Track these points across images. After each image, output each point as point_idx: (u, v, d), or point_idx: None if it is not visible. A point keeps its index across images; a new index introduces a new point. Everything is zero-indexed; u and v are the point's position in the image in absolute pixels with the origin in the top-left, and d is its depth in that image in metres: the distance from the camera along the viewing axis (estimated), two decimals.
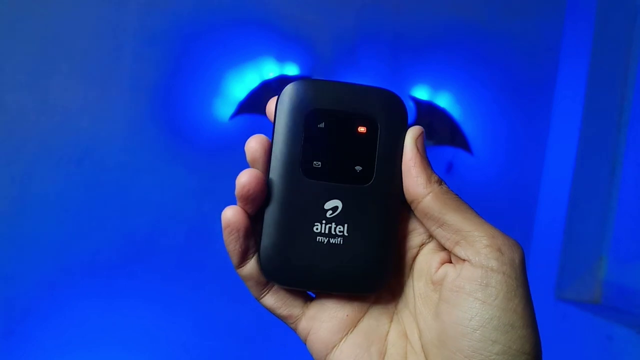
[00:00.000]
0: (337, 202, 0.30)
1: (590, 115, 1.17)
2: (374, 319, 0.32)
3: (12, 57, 1.12)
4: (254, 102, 1.22)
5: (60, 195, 1.15)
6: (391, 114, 0.31)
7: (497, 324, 0.26)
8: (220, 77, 1.21)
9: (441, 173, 1.25)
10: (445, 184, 0.30)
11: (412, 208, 0.30)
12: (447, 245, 0.29)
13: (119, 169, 1.17)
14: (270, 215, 0.30)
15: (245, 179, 0.29)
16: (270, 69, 1.22)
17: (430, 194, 0.29)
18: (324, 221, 0.30)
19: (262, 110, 1.22)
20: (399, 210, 0.31)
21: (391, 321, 0.32)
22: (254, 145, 0.31)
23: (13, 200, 1.13)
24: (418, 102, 1.27)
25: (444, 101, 1.29)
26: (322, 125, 0.30)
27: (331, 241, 0.30)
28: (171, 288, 1.20)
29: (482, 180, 1.29)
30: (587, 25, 1.19)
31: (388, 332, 0.31)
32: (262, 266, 0.30)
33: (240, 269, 0.31)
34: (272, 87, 1.22)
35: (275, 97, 0.31)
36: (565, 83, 1.28)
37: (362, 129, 0.31)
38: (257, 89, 1.22)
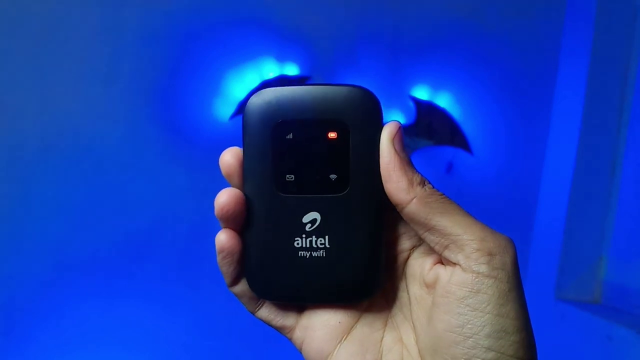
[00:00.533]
0: (315, 215, 0.29)
1: (590, 115, 1.17)
2: (368, 325, 0.31)
3: (12, 57, 1.12)
4: None
5: (60, 195, 1.15)
6: (362, 113, 0.29)
7: (489, 331, 0.26)
8: (220, 77, 1.21)
9: (441, 173, 1.25)
10: (429, 183, 0.29)
11: (399, 212, 0.29)
12: (437, 249, 0.28)
13: (119, 169, 1.17)
14: (250, 235, 0.30)
15: (224, 199, 0.29)
16: (270, 69, 1.22)
17: (414, 199, 0.28)
18: (303, 235, 0.29)
19: None
20: (381, 215, 0.30)
21: (385, 326, 0.31)
22: (228, 159, 0.30)
23: (13, 200, 1.13)
24: (418, 102, 1.27)
25: (444, 101, 1.29)
26: (290, 136, 0.29)
27: (313, 254, 0.29)
28: (171, 288, 1.20)
29: (482, 180, 1.29)
30: (587, 25, 1.19)
31: (382, 337, 0.31)
32: (251, 285, 0.30)
33: (233, 287, 0.31)
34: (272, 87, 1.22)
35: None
36: (565, 83, 1.28)
37: (332, 135, 0.29)
38: (257, 89, 1.21)
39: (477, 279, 0.26)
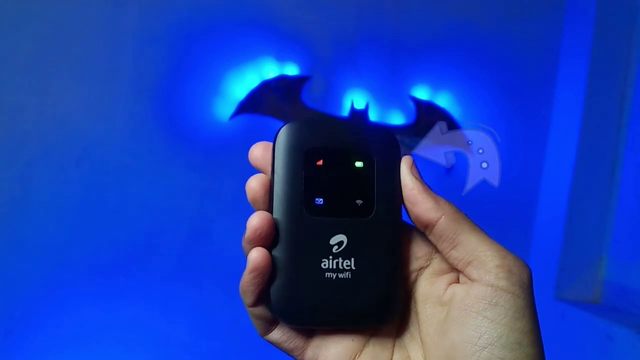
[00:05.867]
0: (342, 237, 0.30)
1: (590, 115, 1.17)
2: (379, 344, 0.32)
3: (12, 57, 1.12)
4: (254, 102, 1.22)
5: (60, 195, 1.15)
6: (385, 148, 0.32)
7: (505, 342, 0.27)
8: (220, 77, 1.21)
9: (441, 173, 1.25)
10: (453, 204, 0.31)
11: (427, 234, 0.31)
12: (460, 265, 0.29)
13: (119, 169, 1.17)
14: (278, 255, 0.30)
15: (257, 222, 0.29)
16: (270, 69, 1.22)
17: (443, 216, 0.29)
18: (330, 256, 0.30)
19: (262, 110, 1.22)
20: (401, 239, 0.32)
21: (394, 346, 0.32)
22: (254, 185, 0.31)
23: (13, 200, 1.13)
24: (418, 102, 1.27)
25: (444, 101, 1.29)
26: (320, 162, 0.31)
27: (339, 276, 0.30)
28: (171, 288, 1.20)
29: (482, 180, 1.29)
30: (587, 25, 1.19)
31: (392, 356, 0.32)
32: (274, 308, 0.30)
33: (254, 308, 0.31)
34: (272, 87, 1.22)
35: (259, 143, 0.32)
36: (565, 83, 1.28)
37: (359, 164, 0.31)
38: (257, 89, 1.22)
39: (495, 293, 0.28)
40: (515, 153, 1.32)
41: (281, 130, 0.31)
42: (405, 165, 0.31)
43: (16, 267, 1.14)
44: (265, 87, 1.22)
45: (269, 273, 0.30)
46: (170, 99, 1.19)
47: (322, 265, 0.30)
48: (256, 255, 0.29)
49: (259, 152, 0.32)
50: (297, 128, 0.31)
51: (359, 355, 0.31)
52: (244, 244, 0.30)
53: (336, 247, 0.30)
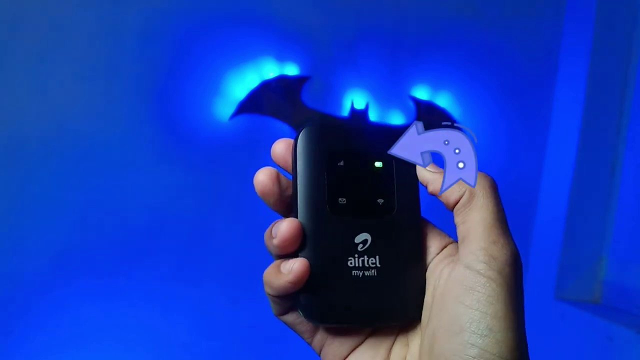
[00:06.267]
0: (366, 235, 0.31)
1: (590, 115, 1.17)
2: (383, 332, 0.32)
3: (12, 57, 1.12)
4: (254, 102, 1.22)
5: (60, 195, 1.15)
6: None
7: (476, 328, 0.27)
8: (220, 77, 1.21)
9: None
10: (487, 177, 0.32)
11: (450, 207, 0.31)
12: (459, 240, 0.30)
13: (119, 169, 1.17)
14: (305, 255, 0.30)
15: (286, 229, 0.29)
16: (270, 69, 1.22)
17: (467, 190, 0.30)
18: (356, 255, 0.31)
19: (262, 110, 1.22)
20: (422, 235, 0.32)
21: (398, 334, 0.32)
22: (263, 178, 0.31)
23: (13, 200, 1.13)
24: (418, 102, 1.27)
25: (444, 101, 1.29)
26: (342, 163, 0.32)
27: (366, 274, 0.31)
28: (171, 288, 1.20)
29: None
30: (587, 25, 1.19)
31: (393, 345, 0.32)
32: (304, 309, 0.30)
33: (276, 299, 0.31)
34: (272, 87, 1.22)
35: (281, 140, 0.32)
36: (565, 83, 1.28)
37: (378, 164, 0.33)
38: (257, 89, 1.22)
39: (472, 276, 0.27)
40: (515, 153, 1.32)
41: (302, 133, 0.32)
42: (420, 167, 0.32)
43: (16, 267, 1.14)
44: (265, 87, 1.22)
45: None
46: (170, 99, 1.19)
47: (349, 263, 0.31)
48: (299, 266, 0.29)
49: (281, 149, 0.32)
50: (317, 130, 0.32)
51: (362, 344, 0.32)
52: (270, 246, 0.30)
53: (361, 245, 0.31)
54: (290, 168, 0.32)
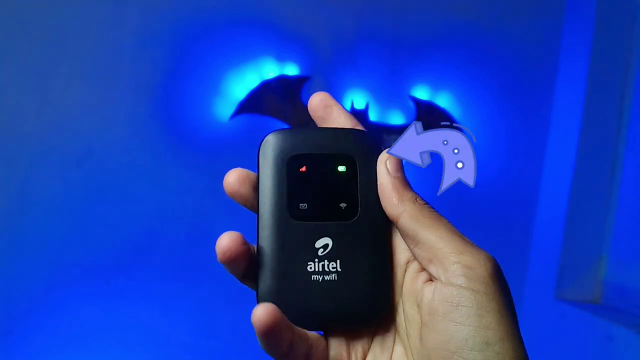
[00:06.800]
0: (327, 240, 0.31)
1: (590, 115, 1.17)
2: (369, 339, 0.31)
3: (12, 57, 1.12)
4: (254, 102, 1.22)
5: (60, 195, 1.15)
6: (367, 150, 0.32)
7: (472, 344, 0.26)
8: (220, 77, 1.21)
9: (441, 173, 1.25)
10: (421, 199, 0.31)
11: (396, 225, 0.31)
12: (423, 264, 0.29)
13: (119, 169, 1.17)
14: (264, 260, 0.31)
15: (225, 243, 0.29)
16: (270, 69, 1.22)
17: (404, 213, 0.29)
18: (316, 259, 0.31)
19: (262, 110, 1.22)
20: (389, 239, 0.32)
21: (371, 344, 0.31)
22: (232, 180, 0.32)
23: (13, 201, 1.13)
24: (418, 102, 1.27)
25: (444, 101, 1.29)
26: (303, 169, 0.32)
27: (326, 278, 0.31)
28: (171, 288, 1.20)
29: (482, 180, 1.29)
30: (587, 25, 1.19)
31: (368, 352, 0.31)
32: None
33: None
34: (272, 87, 1.22)
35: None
36: (565, 83, 1.28)
37: (341, 168, 0.32)
38: (257, 89, 1.22)
39: (457, 292, 0.27)
40: (515, 153, 1.32)
41: (264, 140, 0.32)
42: (380, 161, 0.31)
43: (16, 267, 1.14)
44: (265, 87, 1.22)
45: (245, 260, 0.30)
46: (170, 99, 1.19)
47: (308, 268, 0.30)
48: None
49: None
50: (279, 136, 0.32)
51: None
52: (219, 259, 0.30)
53: (321, 250, 0.31)
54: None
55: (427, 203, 0.30)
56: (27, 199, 1.14)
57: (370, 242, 0.31)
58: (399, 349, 0.31)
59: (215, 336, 1.22)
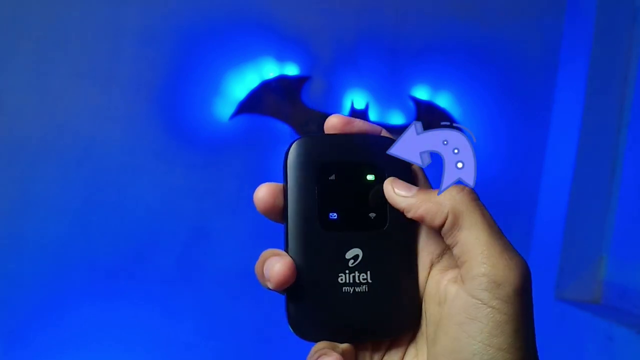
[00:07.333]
0: (357, 251, 0.30)
1: (590, 115, 1.17)
2: (395, 346, 0.32)
3: (12, 57, 1.12)
4: (254, 102, 1.22)
5: (60, 196, 1.15)
6: (395, 159, 0.31)
7: None
8: (220, 77, 1.21)
9: (441, 173, 1.25)
10: (464, 190, 0.30)
11: (437, 230, 0.30)
12: (458, 263, 0.28)
13: (119, 169, 1.17)
14: (297, 270, 0.30)
15: (280, 269, 0.28)
16: (270, 69, 1.22)
17: (449, 213, 0.28)
18: (347, 271, 0.30)
19: (262, 110, 1.22)
20: (416, 247, 0.31)
21: (409, 345, 0.32)
22: (263, 195, 0.30)
23: (13, 201, 1.13)
24: (418, 102, 1.27)
25: (444, 101, 1.29)
26: (332, 177, 0.31)
27: (357, 290, 0.30)
28: (171, 288, 1.20)
29: (482, 180, 1.29)
30: (587, 25, 1.19)
31: (404, 356, 0.31)
32: (293, 325, 0.30)
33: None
34: (272, 87, 1.22)
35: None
36: (565, 83, 1.28)
37: (370, 177, 0.31)
38: (257, 89, 1.22)
39: (475, 305, 0.26)
40: (515, 153, 1.32)
41: (292, 146, 0.31)
42: (388, 188, 0.30)
43: (17, 267, 1.14)
44: (265, 87, 1.22)
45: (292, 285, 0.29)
46: (170, 99, 1.19)
47: (339, 279, 0.30)
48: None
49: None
50: (308, 143, 0.31)
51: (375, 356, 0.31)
52: (263, 283, 0.30)
53: (352, 260, 0.30)
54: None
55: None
56: (27, 199, 1.14)
57: (399, 252, 0.31)
58: (421, 346, 0.31)
59: (215, 336, 1.22)
